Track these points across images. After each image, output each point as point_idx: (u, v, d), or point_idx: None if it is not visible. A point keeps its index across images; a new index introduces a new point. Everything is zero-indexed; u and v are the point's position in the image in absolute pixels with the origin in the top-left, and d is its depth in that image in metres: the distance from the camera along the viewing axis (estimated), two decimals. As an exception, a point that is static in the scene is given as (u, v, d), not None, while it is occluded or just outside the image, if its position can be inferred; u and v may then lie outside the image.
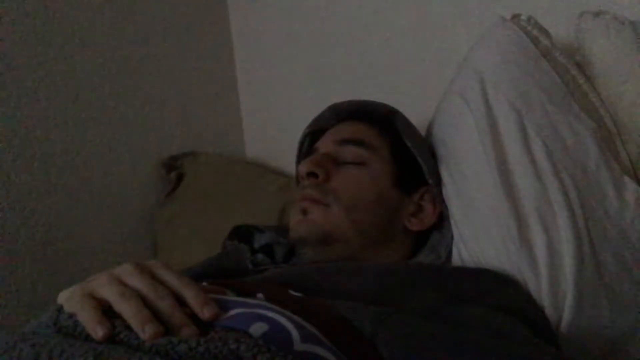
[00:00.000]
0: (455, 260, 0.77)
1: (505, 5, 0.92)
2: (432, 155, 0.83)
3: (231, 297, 0.48)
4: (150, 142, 1.25)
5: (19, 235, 1.00)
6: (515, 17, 0.81)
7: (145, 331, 0.41)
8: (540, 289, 0.67)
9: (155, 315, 0.43)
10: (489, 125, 0.74)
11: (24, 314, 0.99)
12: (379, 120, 0.85)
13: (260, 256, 0.83)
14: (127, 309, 0.42)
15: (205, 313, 0.44)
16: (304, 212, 0.77)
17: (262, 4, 1.39)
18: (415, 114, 0.89)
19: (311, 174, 0.78)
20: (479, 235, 0.73)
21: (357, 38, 1.23)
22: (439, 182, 0.80)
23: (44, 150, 1.05)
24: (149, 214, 1.23)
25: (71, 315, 0.43)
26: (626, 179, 0.71)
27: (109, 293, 0.44)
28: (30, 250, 1.02)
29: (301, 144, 0.92)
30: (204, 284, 0.51)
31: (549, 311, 0.66)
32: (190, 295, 0.45)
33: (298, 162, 0.91)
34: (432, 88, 0.98)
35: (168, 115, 1.30)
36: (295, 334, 0.43)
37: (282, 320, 0.44)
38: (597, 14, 0.79)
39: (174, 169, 1.26)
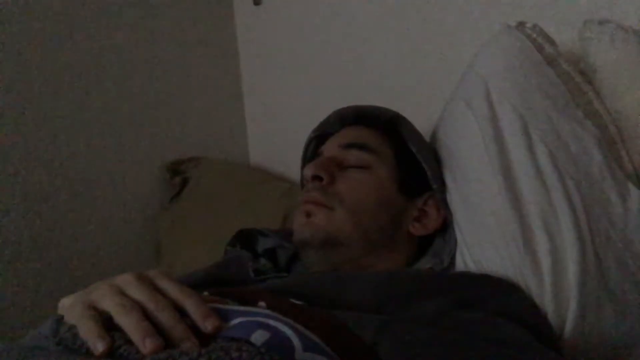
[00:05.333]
0: (459, 266, 0.77)
1: (510, 13, 0.92)
2: (436, 161, 0.83)
3: (232, 307, 0.48)
4: (155, 146, 1.26)
5: (23, 238, 1.01)
6: (521, 24, 0.81)
7: (145, 345, 0.40)
8: (543, 295, 0.66)
9: (156, 326, 0.42)
10: (493, 131, 0.74)
11: (26, 316, 0.99)
12: (383, 126, 0.85)
13: (262, 261, 0.83)
14: (127, 322, 0.42)
15: (207, 326, 0.43)
16: (308, 214, 0.77)
17: (267, 12, 1.40)
18: (420, 120, 0.89)
19: (316, 177, 0.78)
20: (483, 241, 0.73)
21: (361, 45, 1.23)
22: (443, 187, 0.80)
23: (49, 154, 1.06)
24: (153, 218, 1.24)
25: (70, 327, 0.43)
26: (630, 185, 0.71)
27: (110, 304, 0.44)
28: (33, 253, 1.02)
29: (306, 148, 0.92)
30: (205, 293, 0.51)
31: (552, 317, 0.66)
32: (192, 307, 0.45)
33: (303, 165, 0.91)
34: (436, 94, 0.99)
35: (173, 120, 1.31)
36: (297, 342, 0.43)
37: (284, 328, 0.44)
38: (601, 23, 0.79)
39: (178, 174, 1.26)
